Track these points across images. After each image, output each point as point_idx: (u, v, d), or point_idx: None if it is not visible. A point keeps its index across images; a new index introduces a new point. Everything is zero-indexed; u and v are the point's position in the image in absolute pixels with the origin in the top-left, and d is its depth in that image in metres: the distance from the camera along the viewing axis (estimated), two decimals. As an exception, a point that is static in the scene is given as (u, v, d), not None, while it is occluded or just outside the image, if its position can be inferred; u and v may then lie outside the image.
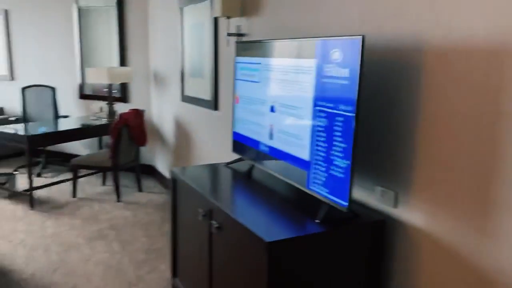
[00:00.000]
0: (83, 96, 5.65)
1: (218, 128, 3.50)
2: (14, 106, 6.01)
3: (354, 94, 1.63)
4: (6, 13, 5.97)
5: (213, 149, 3.62)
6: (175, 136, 4.53)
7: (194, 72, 3.90)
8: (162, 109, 4.87)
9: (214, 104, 3.49)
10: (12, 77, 6.13)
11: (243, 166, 2.61)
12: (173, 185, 2.54)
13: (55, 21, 5.65)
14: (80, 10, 5.44)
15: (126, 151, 4.42)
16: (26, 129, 4.47)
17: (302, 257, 1.65)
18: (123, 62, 5.24)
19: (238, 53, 2.57)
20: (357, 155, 1.86)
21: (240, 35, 3.01)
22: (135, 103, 5.29)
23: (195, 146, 4.03)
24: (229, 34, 3.04)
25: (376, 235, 1.80)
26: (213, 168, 2.63)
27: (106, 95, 5.12)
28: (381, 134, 1.86)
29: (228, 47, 3.17)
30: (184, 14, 4.00)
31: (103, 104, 5.33)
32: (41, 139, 4.39)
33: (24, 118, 5.42)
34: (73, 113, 5.69)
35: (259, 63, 2.31)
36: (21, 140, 4.12)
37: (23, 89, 5.44)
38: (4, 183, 4.38)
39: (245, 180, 2.41)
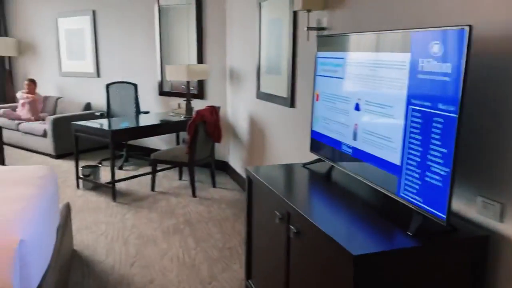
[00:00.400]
0: (162, 92, 5.82)
1: (294, 126, 3.38)
2: (99, 102, 6.35)
3: (457, 92, 1.43)
4: (94, 13, 6.31)
5: (289, 148, 3.52)
6: (250, 133, 4.49)
7: (270, 68, 3.81)
8: (237, 106, 4.86)
9: (290, 101, 3.38)
10: (98, 74, 6.48)
11: (322, 167, 2.47)
12: (248, 185, 2.47)
13: (137, 20, 5.87)
14: (160, 9, 5.59)
15: (202, 147, 4.46)
16: (109, 124, 4.68)
17: (393, 273, 1.49)
18: (200, 59, 5.31)
19: (320, 48, 2.43)
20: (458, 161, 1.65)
21: (321, 29, 2.87)
22: (211, 99, 5.34)
23: (269, 144, 3.95)
24: (309, 28, 2.90)
25: (478, 253, 1.58)
26: (289, 168, 2.52)
27: (184, 92, 5.22)
28: (485, 136, 1.63)
29: (307, 42, 3.04)
30: (262, 9, 3.92)
31: (181, 100, 5.44)
32: (123, 134, 4.57)
33: (108, 113, 5.70)
34: (153, 109, 5.87)
35: (343, 58, 2.16)
36: (105, 134, 4.31)
37: (108, 85, 5.71)
38: (89, 175, 4.62)
39: (324, 183, 2.28)
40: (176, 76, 4.87)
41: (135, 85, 5.73)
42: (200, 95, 5.41)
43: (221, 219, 3.87)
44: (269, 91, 3.84)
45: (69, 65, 6.83)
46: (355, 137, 2.05)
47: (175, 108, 5.52)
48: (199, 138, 4.36)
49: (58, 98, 6.72)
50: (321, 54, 2.41)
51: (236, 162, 5.00)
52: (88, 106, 6.38)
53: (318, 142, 2.47)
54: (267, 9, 3.82)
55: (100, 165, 4.83)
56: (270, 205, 2.15)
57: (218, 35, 5.13)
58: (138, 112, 5.70)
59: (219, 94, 5.27)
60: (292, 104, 3.38)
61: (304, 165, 2.53)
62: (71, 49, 6.75)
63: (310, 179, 2.35)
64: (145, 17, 5.78)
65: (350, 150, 2.10)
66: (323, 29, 2.86)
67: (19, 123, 6.29)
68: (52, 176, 2.89)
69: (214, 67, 5.21)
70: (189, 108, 5.03)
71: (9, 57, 7.59)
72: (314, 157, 2.53)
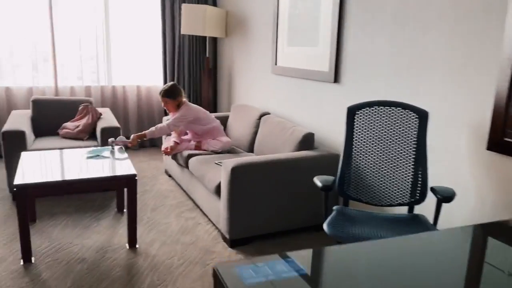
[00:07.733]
0: (496, 143, 2.00)
1: None
2: (336, 132, 2.99)
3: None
4: None
5: None
6: None
7: None
8: None
9: None
10: (336, 77, 3.10)
11: None
12: None
13: None
14: None
15: None
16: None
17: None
18: None
19: None
20: None
21: None
22: None
23: None
24: None
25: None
26: None
27: None
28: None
29: None
30: None
31: None
32: None
33: (342, 191, 2.27)
34: (464, 195, 2.17)
35: None
36: None
37: (352, 110, 2.26)
38: None
39: None
40: None
41: (421, 114, 2.14)
42: None
43: None
44: None
45: (289, 54, 3.68)
46: None
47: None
48: None
49: (263, 115, 3.68)
50: None
51: None
52: (307, 141, 3.07)
53: None
54: None
55: None
56: None
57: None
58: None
59: None
60: None
61: None
62: (295, 25, 3.57)
63: None
64: None
65: None
66: None
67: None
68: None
69: None
70: None
71: (214, 39, 5.02)
72: None
